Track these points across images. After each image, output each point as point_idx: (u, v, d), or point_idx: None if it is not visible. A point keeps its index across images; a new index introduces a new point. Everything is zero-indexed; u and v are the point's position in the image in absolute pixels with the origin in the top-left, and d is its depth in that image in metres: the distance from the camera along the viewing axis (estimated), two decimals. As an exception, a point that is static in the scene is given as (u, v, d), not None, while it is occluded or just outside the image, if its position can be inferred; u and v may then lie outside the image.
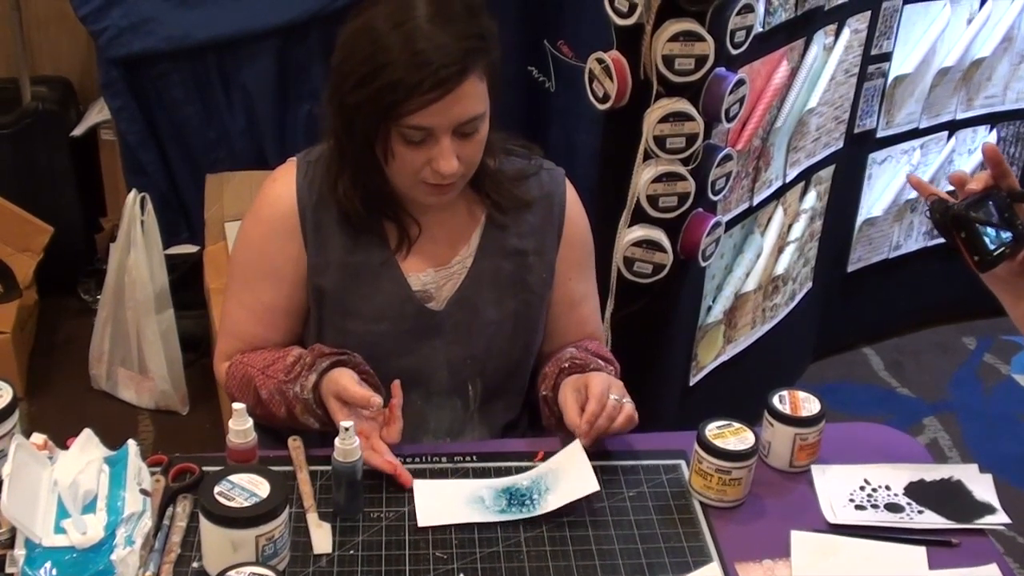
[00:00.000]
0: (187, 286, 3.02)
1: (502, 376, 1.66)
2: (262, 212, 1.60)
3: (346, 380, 1.47)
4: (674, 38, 1.94)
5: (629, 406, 1.52)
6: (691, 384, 2.57)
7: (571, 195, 1.68)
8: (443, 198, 1.53)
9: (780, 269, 2.74)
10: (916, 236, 3.27)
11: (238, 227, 1.66)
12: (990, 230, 1.36)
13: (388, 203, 1.56)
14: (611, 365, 1.68)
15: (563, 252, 1.67)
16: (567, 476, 1.48)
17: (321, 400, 1.50)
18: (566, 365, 1.61)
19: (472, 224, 1.62)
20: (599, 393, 1.50)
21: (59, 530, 1.32)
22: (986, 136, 3.24)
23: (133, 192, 2.78)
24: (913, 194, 3.11)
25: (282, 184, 1.58)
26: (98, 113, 3.19)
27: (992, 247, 1.36)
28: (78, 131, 3.20)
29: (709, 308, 2.53)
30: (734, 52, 2.04)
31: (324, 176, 1.56)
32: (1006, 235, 1.36)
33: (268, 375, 1.56)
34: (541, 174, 1.65)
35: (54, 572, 1.28)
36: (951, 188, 1.44)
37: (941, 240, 3.14)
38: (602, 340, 1.80)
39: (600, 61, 2.03)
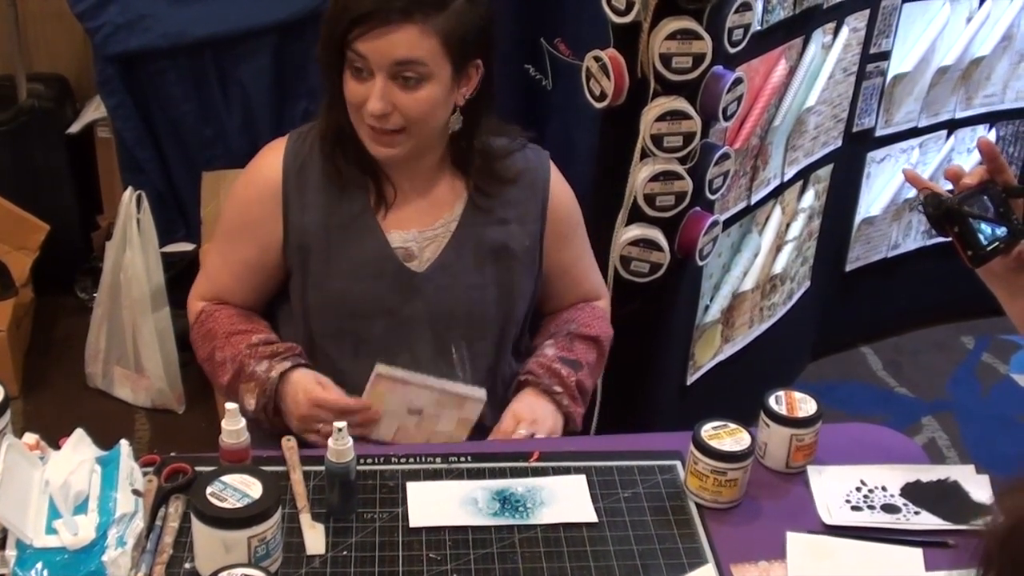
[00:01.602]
0: (183, 284, 2.97)
1: (486, 345, 1.70)
2: (250, 176, 1.71)
3: (335, 395, 1.62)
4: (671, 36, 1.93)
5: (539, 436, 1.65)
6: (688, 384, 2.57)
7: (555, 173, 1.74)
8: (385, 151, 1.59)
9: (778, 268, 2.73)
10: (914, 235, 3.26)
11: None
12: (984, 225, 1.36)
13: (368, 160, 1.62)
14: (592, 344, 1.76)
15: (548, 227, 1.72)
16: (566, 499, 1.48)
17: (276, 391, 1.62)
18: (523, 378, 1.71)
19: (454, 198, 1.67)
20: (503, 429, 1.66)
21: (50, 531, 1.32)
22: (985, 135, 3.23)
23: (129, 190, 2.77)
24: (912, 193, 3.10)
25: (272, 152, 1.69)
26: (94, 111, 3.18)
27: (985, 242, 1.35)
28: (74, 129, 3.19)
29: (706, 307, 2.52)
30: (732, 50, 2.03)
31: (316, 137, 1.65)
32: (1000, 230, 1.36)
33: (231, 343, 1.66)
34: (526, 151, 1.71)
35: (45, 573, 1.28)
36: (950, 188, 1.43)
37: (939, 240, 3.17)
38: (601, 294, 1.86)
39: (597, 59, 2.03)
